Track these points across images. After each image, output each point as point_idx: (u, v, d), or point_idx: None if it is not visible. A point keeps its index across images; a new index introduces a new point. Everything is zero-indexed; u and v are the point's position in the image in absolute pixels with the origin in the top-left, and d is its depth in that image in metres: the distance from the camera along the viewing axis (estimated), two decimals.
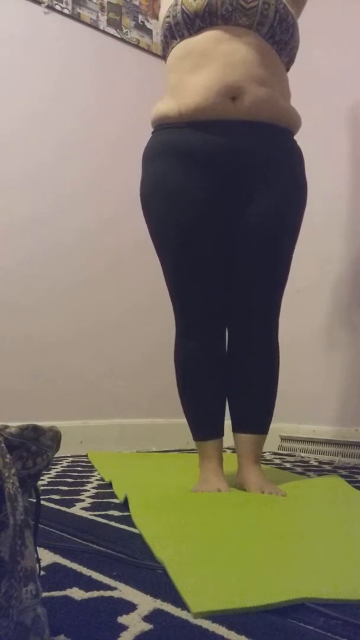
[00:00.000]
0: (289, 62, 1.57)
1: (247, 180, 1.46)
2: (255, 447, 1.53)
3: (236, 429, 1.56)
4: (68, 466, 1.97)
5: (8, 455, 0.54)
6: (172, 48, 1.52)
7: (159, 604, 0.72)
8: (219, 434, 1.55)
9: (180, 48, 1.49)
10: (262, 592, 0.73)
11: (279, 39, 1.46)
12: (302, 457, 2.42)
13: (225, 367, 1.56)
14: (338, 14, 2.48)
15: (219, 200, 1.47)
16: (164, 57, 1.60)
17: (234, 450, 1.60)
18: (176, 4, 1.47)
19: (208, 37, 1.44)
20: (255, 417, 1.55)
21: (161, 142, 1.51)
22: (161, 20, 1.55)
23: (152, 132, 1.56)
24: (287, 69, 1.58)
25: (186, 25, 1.46)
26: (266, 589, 0.74)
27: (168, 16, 1.50)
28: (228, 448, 1.92)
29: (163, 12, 1.55)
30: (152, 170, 1.52)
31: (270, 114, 1.46)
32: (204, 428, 1.55)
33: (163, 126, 1.51)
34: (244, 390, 1.56)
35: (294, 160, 1.53)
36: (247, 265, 1.51)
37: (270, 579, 0.78)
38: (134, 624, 0.65)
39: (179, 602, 0.72)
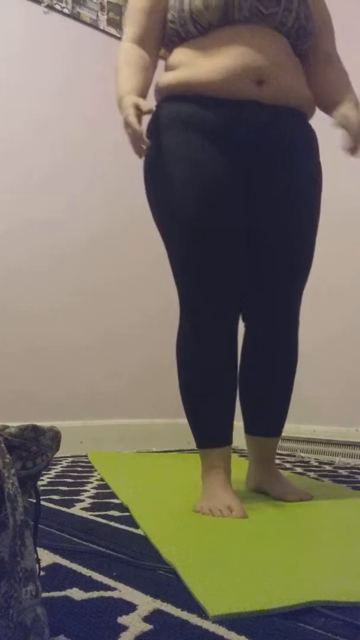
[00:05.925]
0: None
1: (269, 164, 1.38)
2: (273, 449, 1.48)
3: (251, 431, 1.46)
4: (68, 466, 1.97)
5: (8, 455, 0.54)
6: (178, 47, 1.41)
7: (159, 604, 0.72)
8: (228, 440, 1.36)
9: (190, 44, 1.39)
10: (279, 595, 0.73)
11: (294, 43, 1.43)
12: (302, 457, 2.42)
13: (237, 366, 1.42)
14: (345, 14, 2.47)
15: (238, 182, 1.36)
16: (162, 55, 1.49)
17: (234, 451, 1.59)
18: (182, 10, 1.36)
19: (224, 33, 1.36)
20: (274, 420, 1.47)
21: (179, 111, 1.37)
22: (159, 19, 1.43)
23: (162, 102, 1.41)
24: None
25: (198, 31, 1.38)
26: (283, 592, 0.74)
27: (173, 22, 1.39)
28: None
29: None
30: (170, 139, 1.37)
31: (296, 101, 1.41)
32: (211, 435, 1.36)
33: (177, 94, 1.37)
34: (261, 392, 1.45)
35: (313, 145, 1.49)
36: (268, 243, 1.41)
37: (286, 582, 0.78)
38: (134, 624, 0.65)
39: (179, 603, 0.72)
